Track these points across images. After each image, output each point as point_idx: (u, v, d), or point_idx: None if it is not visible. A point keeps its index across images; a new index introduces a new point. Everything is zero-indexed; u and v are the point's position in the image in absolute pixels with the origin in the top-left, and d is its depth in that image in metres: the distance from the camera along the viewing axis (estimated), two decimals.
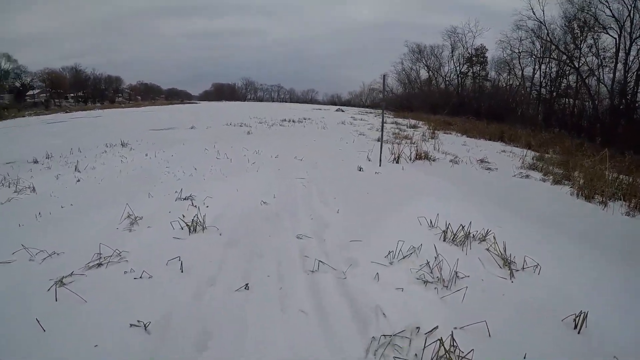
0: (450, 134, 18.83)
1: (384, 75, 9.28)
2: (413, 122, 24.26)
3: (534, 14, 30.15)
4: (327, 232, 4.16)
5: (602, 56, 27.25)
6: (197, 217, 4.18)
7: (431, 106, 36.09)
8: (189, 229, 4.03)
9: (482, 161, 10.25)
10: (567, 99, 30.91)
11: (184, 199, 5.13)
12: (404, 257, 3.56)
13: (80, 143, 10.90)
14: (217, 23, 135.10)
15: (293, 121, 19.30)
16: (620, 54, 25.04)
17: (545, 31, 29.87)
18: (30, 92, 61.53)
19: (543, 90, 33.01)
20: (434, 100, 38.18)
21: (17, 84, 58.61)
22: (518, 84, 34.85)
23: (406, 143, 12.12)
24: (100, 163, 8.06)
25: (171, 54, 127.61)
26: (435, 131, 18.35)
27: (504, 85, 36.40)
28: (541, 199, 6.69)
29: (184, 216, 4.39)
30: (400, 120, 25.31)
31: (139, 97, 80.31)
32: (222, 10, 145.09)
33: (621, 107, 25.02)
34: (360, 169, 7.54)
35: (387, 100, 49.14)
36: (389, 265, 3.46)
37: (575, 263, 3.83)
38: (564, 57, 29.43)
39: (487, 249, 3.88)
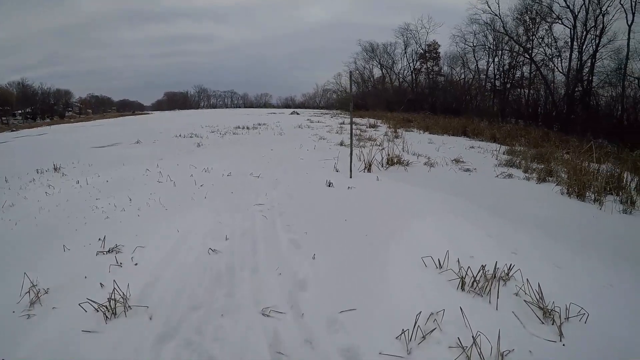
0: (412, 131, 18.02)
1: (350, 72, 8.22)
2: (371, 121, 23.42)
3: (489, 7, 29.98)
4: (305, 298, 2.92)
5: (553, 46, 27.48)
6: (116, 291, 2.86)
7: (386, 104, 35.44)
8: (105, 313, 2.72)
9: (457, 161, 9.47)
10: (521, 90, 31.02)
11: (108, 251, 3.79)
12: (424, 337, 2.41)
13: (15, 167, 9.26)
14: (169, 29, 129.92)
15: (247, 128, 17.86)
16: (574, 43, 25.15)
17: (500, 23, 29.72)
18: None
19: (497, 82, 32.95)
20: (389, 98, 37.54)
21: None
22: (472, 77, 34.67)
23: (371, 145, 11.10)
24: (23, 197, 6.54)
25: (123, 63, 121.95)
26: (397, 129, 17.50)
27: (458, 79, 36.17)
28: (534, 202, 5.94)
29: (102, 286, 3.09)
30: (357, 119, 24.33)
31: (90, 111, 76.40)
32: (174, 16, 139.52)
33: (576, 94, 25.09)
34: (329, 184, 6.35)
35: (342, 100, 48.29)
36: (407, 357, 2.29)
37: (611, 295, 3.00)
38: (518, 48, 29.43)
39: (517, 294, 2.86)
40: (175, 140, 13.52)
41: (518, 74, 31.70)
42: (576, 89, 25.12)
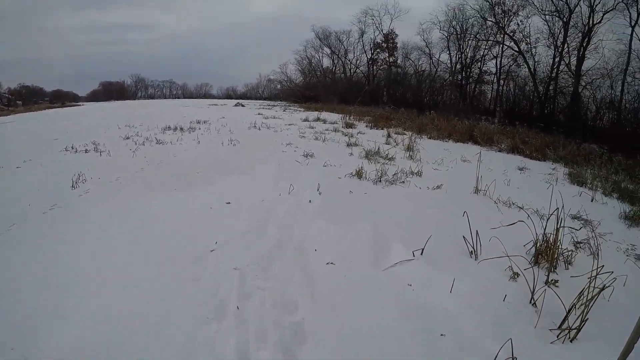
0: (405, 134, 12.40)
1: None
2: (336, 116, 17.64)
3: None
4: None
5: (524, 41, 23.49)
6: None
7: (340, 96, 29.73)
8: None
9: (581, 220, 4.88)
10: (492, 85, 26.88)
11: None
12: None
13: None
14: (109, 16, 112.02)
15: (181, 129, 10.94)
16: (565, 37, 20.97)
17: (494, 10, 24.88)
18: None
19: (459, 76, 28.33)
20: (343, 89, 31.82)
21: None
22: (434, 69, 29.69)
23: (398, 171, 5.83)
24: None
25: (59, 52, 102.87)
26: (390, 133, 11.93)
27: (418, 71, 31.09)
28: None
29: None
30: (317, 114, 18.27)
31: (20, 102, 64.33)
32: (114, 2, 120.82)
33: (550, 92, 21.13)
34: None
35: (288, 91, 41.93)
36: None
37: None
38: (498, 34, 24.93)
39: None
40: (52, 164, 6.83)
41: (485, 67, 27.50)
42: (550, 87, 21.32)
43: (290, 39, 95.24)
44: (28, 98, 68.58)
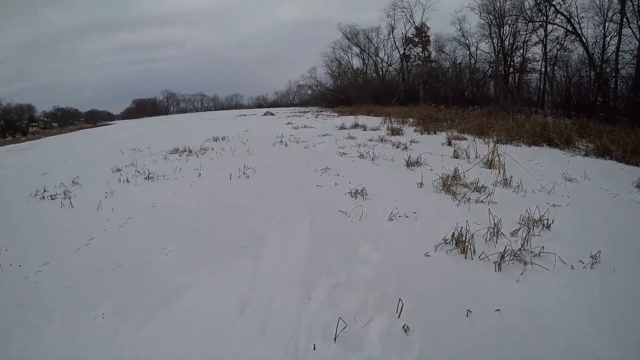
0: (466, 138, 9.59)
1: None
2: (375, 120, 14.96)
3: None
4: None
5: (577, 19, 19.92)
6: None
7: (374, 97, 26.96)
8: None
9: None
10: (539, 73, 23.43)
11: None
12: None
13: None
14: (138, 37, 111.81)
15: (189, 151, 8.48)
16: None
17: None
18: None
19: (500, 66, 24.97)
20: (377, 90, 29.02)
21: None
22: (473, 62, 26.39)
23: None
24: None
25: (92, 74, 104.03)
26: (450, 139, 9.22)
27: (454, 64, 27.89)
28: None
29: None
30: (354, 118, 15.59)
31: (56, 124, 64.84)
32: (142, 23, 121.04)
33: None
34: None
35: (319, 95, 39.34)
36: None
37: None
38: (546, 16, 21.46)
39: None
40: None
41: (528, 55, 24.08)
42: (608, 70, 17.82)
43: (319, 43, 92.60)
44: (64, 120, 68.95)
